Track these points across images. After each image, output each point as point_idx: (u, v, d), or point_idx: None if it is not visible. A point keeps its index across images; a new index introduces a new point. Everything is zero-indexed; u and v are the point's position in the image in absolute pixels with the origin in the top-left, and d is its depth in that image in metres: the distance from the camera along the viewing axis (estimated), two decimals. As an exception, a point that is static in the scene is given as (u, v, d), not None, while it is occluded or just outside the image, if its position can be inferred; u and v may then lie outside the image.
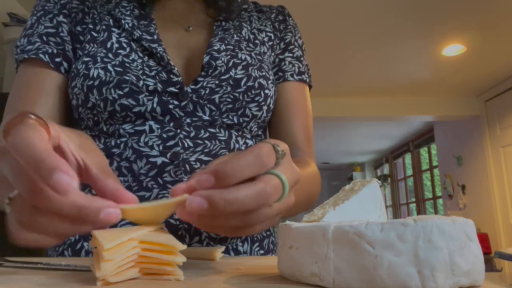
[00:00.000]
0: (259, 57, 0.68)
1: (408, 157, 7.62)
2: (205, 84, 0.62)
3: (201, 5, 0.74)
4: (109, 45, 0.62)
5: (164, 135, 0.59)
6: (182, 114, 0.61)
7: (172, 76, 0.61)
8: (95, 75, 0.59)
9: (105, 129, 0.61)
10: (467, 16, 2.89)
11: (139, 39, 0.63)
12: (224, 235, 0.35)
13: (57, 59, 0.64)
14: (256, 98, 0.64)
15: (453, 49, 3.40)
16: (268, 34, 0.75)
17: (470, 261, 0.28)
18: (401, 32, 3.13)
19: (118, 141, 0.60)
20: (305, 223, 0.34)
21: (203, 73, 0.62)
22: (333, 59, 3.60)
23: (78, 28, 0.66)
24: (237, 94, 0.62)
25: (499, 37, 3.20)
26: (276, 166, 0.35)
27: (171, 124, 0.60)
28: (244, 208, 0.32)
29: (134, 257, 0.32)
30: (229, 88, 0.62)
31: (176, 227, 0.57)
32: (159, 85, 0.60)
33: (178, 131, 0.60)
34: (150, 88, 0.59)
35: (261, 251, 0.65)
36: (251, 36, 0.72)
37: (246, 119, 0.64)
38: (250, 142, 0.67)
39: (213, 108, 0.62)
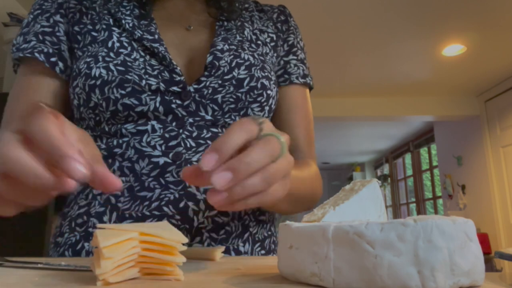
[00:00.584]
0: (261, 57, 0.68)
1: (408, 157, 7.63)
2: (208, 83, 0.61)
3: (201, 4, 0.74)
4: (110, 44, 0.62)
5: (167, 135, 0.59)
6: (184, 113, 0.61)
7: (174, 75, 0.60)
8: (97, 75, 0.58)
9: (107, 129, 0.61)
10: (467, 16, 2.89)
11: (140, 39, 0.62)
12: (254, 205, 0.37)
13: (53, 59, 0.64)
14: (259, 99, 0.64)
15: (453, 49, 3.40)
16: (270, 35, 0.75)
17: (470, 261, 0.28)
18: (401, 32, 3.13)
19: (120, 141, 0.60)
20: (305, 223, 0.34)
21: (206, 73, 0.62)
22: (333, 59, 3.60)
23: (76, 28, 0.66)
24: (239, 94, 0.62)
25: (499, 37, 3.20)
26: (261, 131, 0.38)
27: (174, 123, 0.60)
28: (261, 164, 0.35)
29: (134, 257, 0.32)
30: (231, 88, 0.62)
31: (178, 227, 0.57)
32: (161, 84, 0.59)
33: (181, 131, 0.60)
34: (153, 87, 0.59)
35: (262, 251, 0.65)
36: (253, 37, 0.72)
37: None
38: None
39: (216, 108, 0.61)
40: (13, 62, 0.67)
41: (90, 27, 0.65)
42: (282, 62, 0.75)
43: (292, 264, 0.32)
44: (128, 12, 0.66)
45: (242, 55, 0.66)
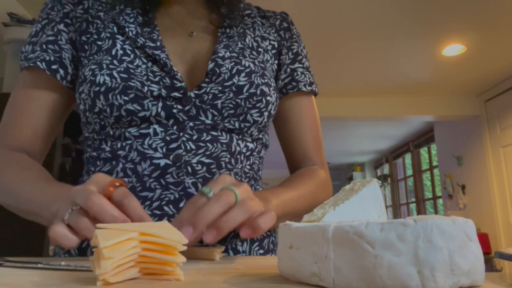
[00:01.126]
0: (262, 64, 0.70)
1: (408, 157, 7.62)
2: (208, 89, 0.63)
3: (203, 11, 0.75)
4: (113, 52, 0.64)
5: (168, 138, 0.61)
6: (185, 118, 0.62)
7: (175, 81, 0.62)
8: (101, 82, 0.60)
9: (111, 132, 0.63)
10: (467, 16, 2.89)
11: (143, 46, 0.64)
12: (255, 233, 0.48)
13: (54, 66, 0.66)
14: (258, 105, 0.65)
15: (453, 49, 3.40)
16: (272, 42, 0.77)
17: (470, 261, 0.28)
18: (401, 32, 3.13)
19: (124, 144, 0.62)
20: (305, 223, 0.34)
21: (207, 79, 0.63)
22: (333, 59, 3.60)
23: (83, 38, 0.68)
24: (239, 100, 0.64)
25: (499, 37, 3.20)
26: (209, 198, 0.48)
27: (175, 127, 0.62)
28: (213, 214, 0.45)
29: (134, 257, 0.32)
30: (231, 94, 0.63)
31: None
32: (163, 90, 0.61)
33: (181, 134, 0.61)
34: (155, 93, 0.61)
35: (261, 251, 0.66)
36: (255, 44, 0.73)
37: (247, 124, 0.65)
38: (250, 145, 0.68)
39: (215, 113, 0.63)
40: (20, 69, 0.70)
41: (95, 36, 0.67)
42: (289, 70, 0.77)
43: (292, 264, 0.32)
44: (131, 20, 0.68)
45: (243, 62, 0.67)
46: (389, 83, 4.23)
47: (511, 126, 4.14)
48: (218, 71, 0.64)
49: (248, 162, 0.67)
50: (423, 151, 7.04)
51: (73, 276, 0.35)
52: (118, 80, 0.60)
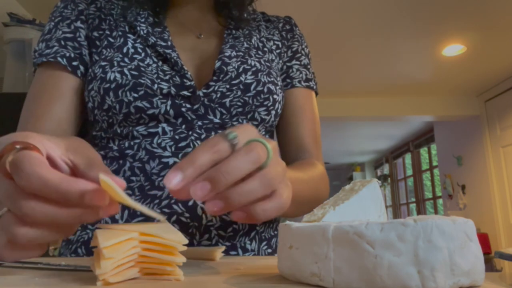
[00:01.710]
0: (267, 63, 0.71)
1: (408, 157, 7.62)
2: (216, 88, 0.64)
3: (212, 13, 0.77)
4: (125, 50, 0.64)
5: (177, 137, 0.62)
6: (194, 116, 0.63)
7: (185, 80, 0.63)
8: (111, 78, 0.61)
9: (119, 131, 0.63)
10: (467, 16, 2.89)
11: (154, 45, 0.65)
12: (273, 215, 0.36)
13: (74, 63, 0.66)
14: (265, 103, 0.66)
15: (453, 49, 3.40)
16: (276, 42, 0.78)
17: (470, 261, 0.28)
18: (401, 32, 3.13)
19: (132, 143, 0.62)
20: (305, 223, 0.34)
21: (214, 78, 0.64)
22: (333, 59, 3.61)
23: (95, 34, 0.68)
24: (247, 98, 0.64)
25: (499, 37, 3.20)
26: (234, 147, 0.35)
27: (183, 126, 0.62)
28: (242, 171, 0.33)
29: (134, 257, 0.32)
30: (239, 93, 0.64)
31: (187, 225, 0.58)
32: (172, 88, 0.62)
33: (190, 133, 0.62)
34: (164, 91, 0.61)
35: (269, 250, 0.67)
36: (260, 44, 0.75)
37: (255, 123, 0.66)
38: None
39: (224, 111, 0.64)
40: (33, 67, 0.69)
41: (108, 32, 0.68)
42: (285, 67, 0.78)
43: (292, 264, 0.32)
44: (143, 20, 0.69)
45: (249, 61, 0.68)
46: (389, 83, 4.23)
47: (511, 126, 4.14)
48: (225, 69, 0.65)
49: None
50: (423, 151, 7.04)
51: (73, 276, 0.35)
52: (129, 77, 0.61)
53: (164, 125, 0.62)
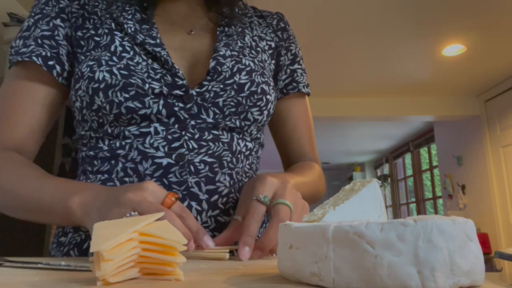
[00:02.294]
0: (261, 64, 0.71)
1: (408, 157, 7.62)
2: (210, 87, 0.63)
3: (202, 8, 0.75)
4: (112, 48, 0.62)
5: (169, 137, 0.60)
6: (186, 116, 0.62)
7: (177, 79, 0.62)
8: (100, 78, 0.59)
9: (109, 131, 0.62)
10: (467, 16, 2.89)
11: (142, 43, 0.63)
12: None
13: (50, 62, 0.64)
14: (258, 103, 0.65)
15: (453, 49, 3.40)
16: (269, 42, 0.77)
17: (470, 261, 0.28)
18: (401, 32, 3.13)
19: (123, 143, 0.61)
20: (305, 223, 0.34)
21: (208, 77, 0.63)
22: (333, 59, 3.60)
23: (79, 33, 0.66)
24: (240, 99, 0.64)
25: (499, 37, 3.20)
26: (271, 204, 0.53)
27: (176, 126, 0.61)
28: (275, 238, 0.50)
29: (134, 257, 0.32)
30: (233, 93, 0.63)
31: None
32: (164, 88, 0.61)
33: (183, 133, 0.61)
34: (156, 91, 0.60)
35: None
36: (253, 43, 0.74)
37: (248, 122, 0.66)
38: (249, 144, 0.68)
39: (217, 111, 0.63)
40: (9, 64, 0.67)
41: (92, 32, 0.66)
42: (289, 71, 0.79)
43: (292, 264, 0.32)
44: (130, 17, 0.67)
45: (243, 60, 0.67)
46: (389, 83, 4.23)
47: (511, 126, 4.14)
48: (219, 69, 0.64)
49: (247, 162, 0.68)
50: (423, 151, 7.03)
51: (73, 276, 0.35)
52: (119, 76, 0.59)
53: (157, 124, 0.61)
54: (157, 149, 0.60)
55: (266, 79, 0.68)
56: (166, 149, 0.60)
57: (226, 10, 0.73)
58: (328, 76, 3.98)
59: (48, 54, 0.65)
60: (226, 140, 0.64)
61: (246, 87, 0.65)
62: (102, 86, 0.59)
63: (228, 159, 0.63)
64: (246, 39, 0.73)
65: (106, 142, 0.62)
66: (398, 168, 8.21)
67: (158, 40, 0.64)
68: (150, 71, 0.61)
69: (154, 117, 0.61)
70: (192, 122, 0.62)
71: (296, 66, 0.80)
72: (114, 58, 0.61)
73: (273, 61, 0.77)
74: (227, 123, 0.64)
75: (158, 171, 0.59)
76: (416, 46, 3.36)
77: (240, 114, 0.64)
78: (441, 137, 5.72)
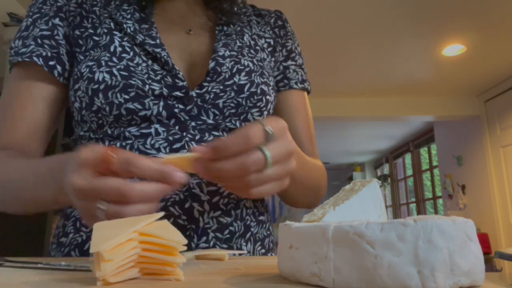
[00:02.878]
0: (260, 63, 0.70)
1: (408, 157, 7.62)
2: (209, 89, 0.62)
3: (201, 7, 0.75)
4: (112, 48, 0.62)
5: (170, 138, 0.60)
6: (187, 117, 0.62)
7: (177, 80, 0.61)
8: (100, 79, 0.59)
9: (109, 132, 0.61)
10: (467, 16, 2.89)
11: (142, 44, 0.63)
12: (233, 192, 0.48)
13: (51, 62, 0.64)
14: (258, 104, 0.65)
15: (453, 49, 3.40)
16: (268, 40, 0.76)
17: (470, 261, 0.28)
18: (401, 32, 3.13)
19: (124, 144, 0.60)
20: (305, 223, 0.34)
21: (208, 78, 0.63)
22: (333, 59, 3.60)
23: (77, 32, 0.66)
24: (240, 100, 0.63)
25: (499, 37, 3.20)
26: (266, 143, 0.43)
27: (177, 127, 0.61)
28: (230, 174, 0.43)
29: (134, 257, 0.32)
30: (232, 94, 0.63)
31: (185, 228, 0.58)
32: (164, 89, 0.60)
33: (184, 134, 0.61)
34: (156, 92, 0.60)
35: (263, 250, 0.67)
36: (252, 42, 0.73)
37: (248, 124, 0.65)
38: None
39: (217, 112, 0.63)
40: (9, 65, 0.67)
41: (91, 31, 0.65)
42: (281, 67, 0.77)
43: (292, 264, 0.32)
44: (128, 16, 0.66)
45: (242, 61, 0.67)
46: (389, 83, 4.23)
47: (511, 126, 4.14)
48: (219, 70, 0.63)
49: None
50: (423, 151, 7.03)
51: (73, 276, 0.35)
52: (119, 78, 0.59)
53: (157, 126, 0.60)
54: (158, 150, 0.59)
55: (265, 80, 0.68)
56: (167, 150, 0.60)
57: (226, 6, 0.72)
58: (328, 76, 3.98)
59: (49, 54, 0.64)
60: None
61: (246, 88, 0.64)
62: (102, 87, 0.59)
63: None
64: (245, 38, 0.72)
65: (106, 143, 0.62)
66: (398, 168, 8.21)
67: (158, 41, 0.64)
68: (150, 72, 0.61)
69: (155, 119, 0.60)
70: (193, 123, 0.62)
71: (289, 62, 0.77)
72: (114, 59, 0.61)
73: (272, 59, 0.76)
74: (227, 124, 0.63)
75: None
76: (416, 46, 3.36)
77: (240, 115, 0.64)
78: (441, 137, 5.72)
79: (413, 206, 7.41)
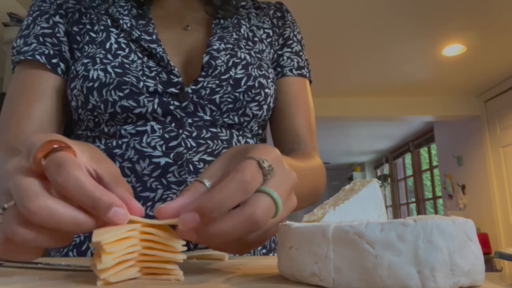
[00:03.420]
0: (258, 55, 0.68)
1: (408, 157, 7.62)
2: (205, 84, 0.61)
3: (198, 2, 0.74)
4: (108, 45, 0.62)
5: (167, 135, 0.59)
6: (183, 114, 0.61)
7: (172, 76, 0.60)
8: (94, 77, 0.58)
9: (106, 130, 0.61)
10: (467, 16, 2.89)
11: (138, 39, 0.62)
12: (229, 252, 0.37)
13: (54, 60, 0.64)
14: (257, 98, 0.64)
15: (453, 49, 3.40)
16: (266, 31, 0.75)
17: (470, 261, 0.28)
18: (401, 32, 3.13)
19: (120, 142, 0.60)
20: (305, 223, 0.34)
21: (203, 73, 0.62)
22: (333, 59, 3.60)
23: (75, 28, 0.66)
24: (237, 94, 0.62)
25: (499, 37, 3.20)
26: (265, 182, 0.33)
27: (173, 124, 0.60)
28: (234, 237, 0.32)
29: (134, 255, 0.32)
30: (229, 88, 0.62)
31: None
32: (159, 86, 0.60)
33: (180, 131, 0.60)
34: (151, 89, 0.59)
35: (263, 250, 0.66)
36: (250, 34, 0.72)
37: (247, 118, 0.64)
38: (250, 141, 0.67)
39: (214, 108, 0.62)
40: (12, 65, 0.66)
41: (89, 27, 0.65)
42: (275, 56, 0.75)
43: (292, 264, 0.32)
44: (126, 12, 0.66)
45: (239, 54, 0.66)
46: (389, 83, 4.23)
47: (511, 126, 4.14)
48: (213, 64, 0.62)
49: None
50: (423, 151, 7.04)
51: (73, 276, 0.35)
52: (113, 75, 0.58)
53: (153, 123, 0.60)
54: (154, 148, 0.59)
55: (263, 72, 0.66)
56: (163, 148, 0.59)
57: (219, 2, 0.71)
58: (328, 76, 3.98)
59: (51, 52, 0.64)
60: (225, 138, 0.62)
61: (243, 81, 0.63)
62: (96, 85, 0.58)
63: None
64: (242, 30, 0.71)
65: (103, 142, 0.61)
66: (398, 168, 8.21)
67: (154, 36, 0.63)
68: (145, 69, 0.60)
69: (150, 116, 0.60)
70: (189, 120, 0.61)
71: (285, 50, 0.74)
72: (109, 56, 0.60)
73: (271, 50, 0.74)
74: (225, 120, 0.62)
75: (156, 171, 0.58)
76: (416, 46, 3.36)
77: (238, 110, 0.63)
78: (441, 137, 5.72)
79: (413, 206, 7.41)
